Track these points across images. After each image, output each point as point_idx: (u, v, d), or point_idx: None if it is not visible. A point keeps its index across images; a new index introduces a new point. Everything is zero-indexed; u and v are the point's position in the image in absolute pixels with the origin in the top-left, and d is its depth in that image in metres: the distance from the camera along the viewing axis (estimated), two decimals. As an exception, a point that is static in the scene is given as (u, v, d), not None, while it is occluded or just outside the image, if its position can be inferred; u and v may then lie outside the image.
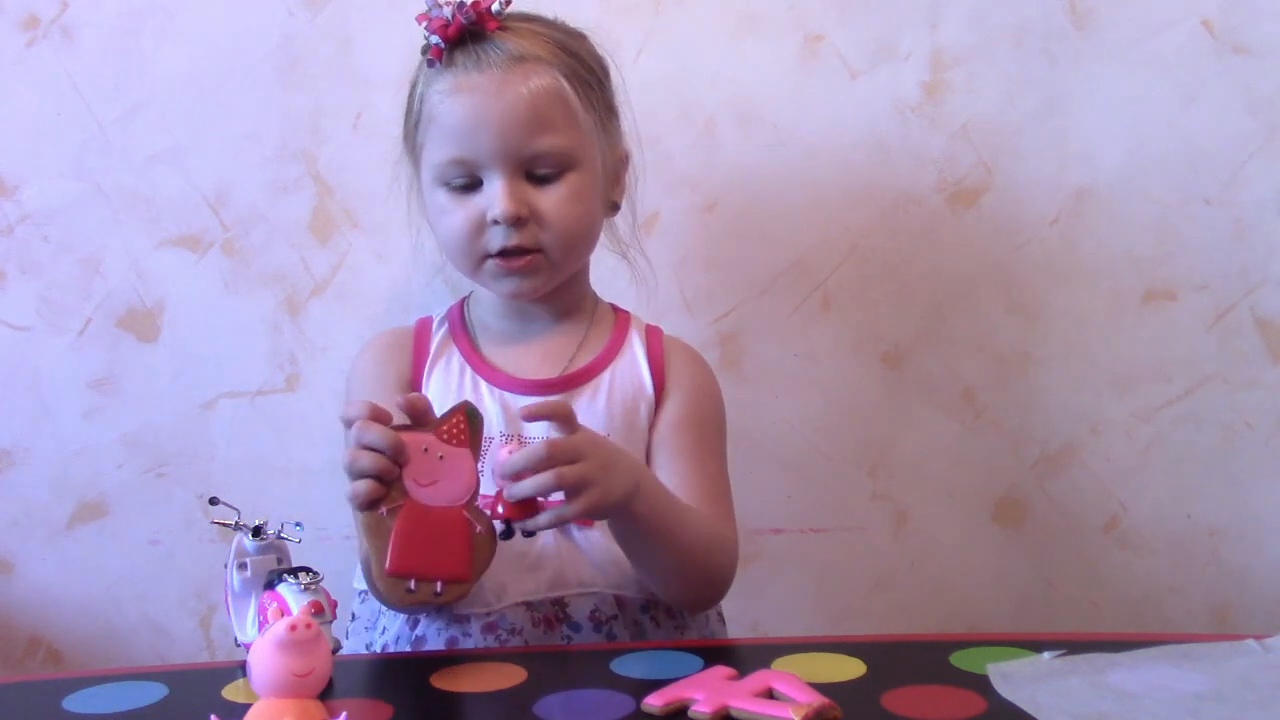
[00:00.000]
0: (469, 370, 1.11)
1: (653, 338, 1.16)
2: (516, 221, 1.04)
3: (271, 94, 1.35)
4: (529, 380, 1.10)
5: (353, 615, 1.13)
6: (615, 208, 1.15)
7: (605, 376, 1.11)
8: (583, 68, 1.07)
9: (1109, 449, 1.40)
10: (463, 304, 1.17)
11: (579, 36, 1.10)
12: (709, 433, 1.14)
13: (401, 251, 1.36)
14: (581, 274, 1.15)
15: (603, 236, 1.16)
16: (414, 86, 1.09)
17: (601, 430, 1.07)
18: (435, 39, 1.04)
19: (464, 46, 1.04)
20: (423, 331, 1.15)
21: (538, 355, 1.12)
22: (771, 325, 1.39)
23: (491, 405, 1.08)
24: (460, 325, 1.15)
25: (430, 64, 1.05)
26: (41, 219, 1.35)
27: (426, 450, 0.91)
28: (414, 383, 1.11)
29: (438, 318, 1.16)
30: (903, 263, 1.39)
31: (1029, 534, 1.42)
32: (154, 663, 1.37)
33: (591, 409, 1.09)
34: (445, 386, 1.10)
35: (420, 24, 1.05)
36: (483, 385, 1.10)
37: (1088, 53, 1.36)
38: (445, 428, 0.93)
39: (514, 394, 1.09)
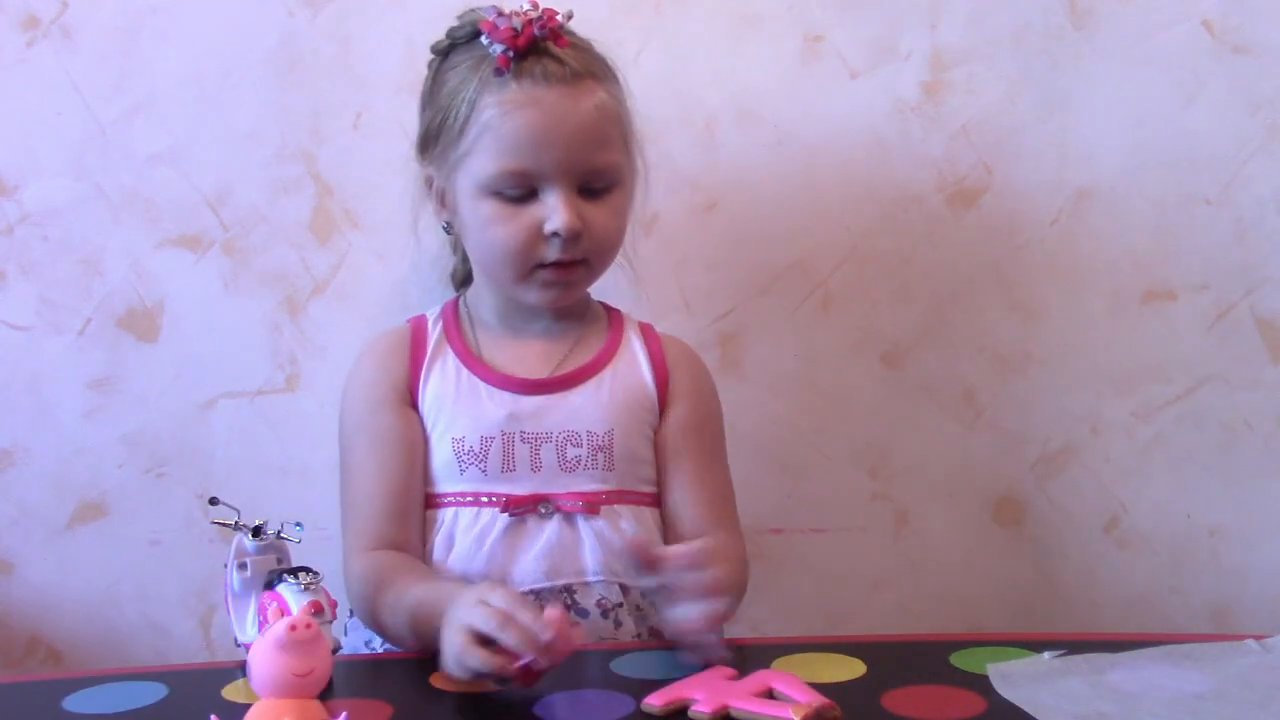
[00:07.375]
0: (465, 371, 1.12)
1: (649, 336, 1.17)
2: (575, 236, 1.05)
3: (271, 94, 1.35)
4: (528, 380, 1.11)
5: (350, 612, 1.12)
6: None
7: (606, 374, 1.13)
8: (620, 88, 1.10)
9: (1109, 449, 1.40)
10: (458, 301, 1.18)
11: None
12: (714, 438, 1.16)
13: (401, 251, 1.36)
14: None
15: None
16: (455, 94, 1.07)
17: (606, 423, 1.10)
18: (502, 48, 1.04)
19: (527, 59, 1.05)
20: (418, 332, 1.15)
21: (536, 354, 1.13)
22: (771, 325, 1.39)
23: (492, 407, 1.09)
24: (455, 324, 1.15)
25: (498, 73, 1.05)
26: (41, 219, 1.35)
27: None
28: (411, 386, 1.12)
29: (432, 316, 1.17)
30: (903, 263, 1.39)
31: (1029, 534, 1.42)
32: (154, 663, 1.37)
33: (595, 402, 1.10)
34: (442, 388, 1.11)
35: (483, 32, 1.05)
36: (481, 387, 1.11)
37: (1088, 53, 1.36)
38: None
39: (513, 393, 1.10)
